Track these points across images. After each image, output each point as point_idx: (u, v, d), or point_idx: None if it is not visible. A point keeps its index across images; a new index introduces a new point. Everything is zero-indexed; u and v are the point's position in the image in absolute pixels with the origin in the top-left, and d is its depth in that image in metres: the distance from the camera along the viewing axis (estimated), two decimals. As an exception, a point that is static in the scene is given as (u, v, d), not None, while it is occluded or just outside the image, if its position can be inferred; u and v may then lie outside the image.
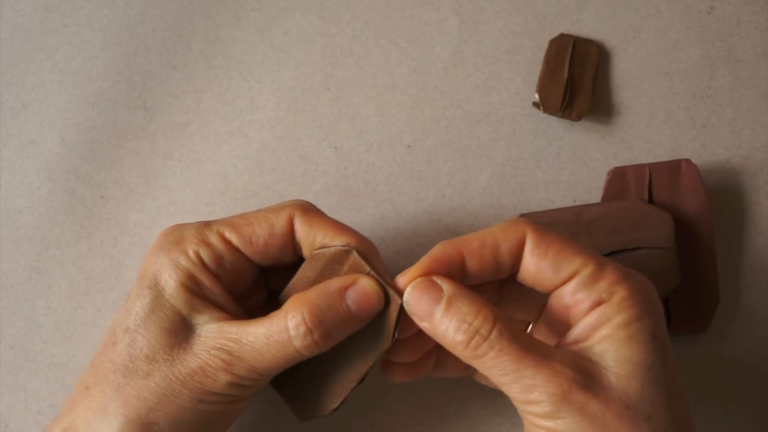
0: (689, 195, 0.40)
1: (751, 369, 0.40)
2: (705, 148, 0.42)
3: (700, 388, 0.40)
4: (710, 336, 0.41)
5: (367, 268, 0.31)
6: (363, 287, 0.30)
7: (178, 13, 0.43)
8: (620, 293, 0.28)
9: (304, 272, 0.32)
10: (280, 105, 0.42)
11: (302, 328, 0.30)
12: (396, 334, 0.31)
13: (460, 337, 0.29)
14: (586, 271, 0.29)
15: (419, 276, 0.30)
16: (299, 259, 0.33)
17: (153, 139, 0.42)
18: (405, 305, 0.30)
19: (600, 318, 0.28)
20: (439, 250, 0.30)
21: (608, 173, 0.40)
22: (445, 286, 0.30)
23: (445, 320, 0.29)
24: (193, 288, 0.31)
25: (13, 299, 0.40)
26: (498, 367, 0.28)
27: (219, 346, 0.30)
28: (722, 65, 0.42)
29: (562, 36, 0.42)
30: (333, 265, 0.32)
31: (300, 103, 0.42)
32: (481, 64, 0.42)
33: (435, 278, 0.30)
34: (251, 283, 0.34)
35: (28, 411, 0.40)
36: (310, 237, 0.32)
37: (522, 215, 0.39)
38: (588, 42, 0.42)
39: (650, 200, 0.40)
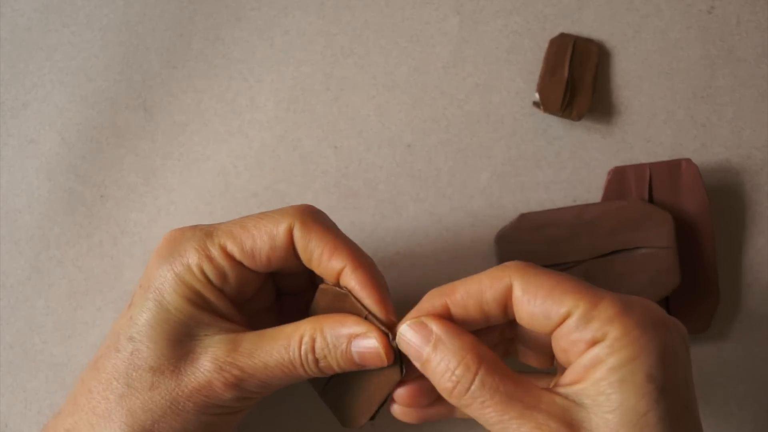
0: (689, 194, 0.40)
1: (751, 369, 0.40)
2: (705, 147, 0.42)
3: (700, 388, 0.40)
4: (710, 336, 0.41)
5: (365, 313, 0.31)
6: (367, 345, 0.30)
7: (178, 12, 0.43)
8: (613, 333, 0.27)
9: (317, 302, 0.33)
10: (280, 105, 0.42)
11: (310, 356, 0.30)
12: (404, 369, 0.31)
13: (445, 384, 0.29)
14: (578, 312, 0.27)
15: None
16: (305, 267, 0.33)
17: (153, 139, 0.42)
18: (399, 346, 0.30)
19: (593, 360, 0.27)
20: (424, 304, 0.30)
21: (608, 173, 0.40)
22: (435, 327, 0.29)
23: (433, 363, 0.29)
24: (198, 302, 0.31)
25: (13, 299, 0.40)
26: (483, 417, 0.28)
27: (231, 360, 0.30)
28: (722, 65, 0.42)
29: (562, 35, 0.42)
30: (338, 302, 0.32)
31: (300, 103, 0.42)
32: (481, 63, 0.42)
33: (424, 319, 0.30)
34: (257, 289, 0.34)
35: (28, 411, 0.40)
36: (308, 252, 0.31)
37: (522, 215, 0.39)
38: (588, 41, 0.42)
39: (650, 200, 0.40)
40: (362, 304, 0.31)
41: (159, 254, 0.32)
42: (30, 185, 0.41)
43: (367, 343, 0.30)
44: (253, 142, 0.42)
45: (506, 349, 0.34)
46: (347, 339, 0.30)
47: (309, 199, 0.41)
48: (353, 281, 0.31)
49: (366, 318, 0.31)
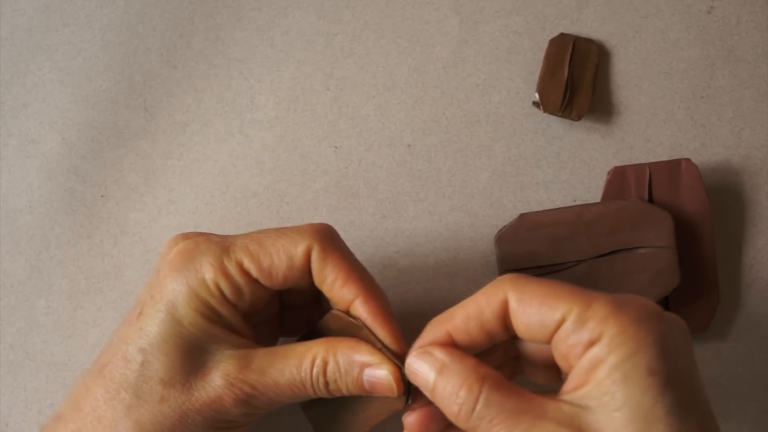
0: (689, 194, 0.40)
1: (751, 369, 0.40)
2: (705, 147, 0.42)
3: (700, 387, 0.40)
4: (710, 336, 0.41)
5: (379, 345, 0.31)
6: (379, 376, 0.30)
7: (178, 12, 0.43)
8: (610, 331, 0.27)
9: (327, 324, 0.33)
10: (280, 105, 0.42)
11: (321, 379, 0.31)
12: (410, 400, 0.31)
13: (451, 408, 0.29)
14: (572, 316, 0.27)
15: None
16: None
17: (153, 139, 0.42)
18: (408, 377, 0.30)
19: (593, 360, 0.27)
20: (426, 335, 0.30)
21: (608, 173, 0.40)
22: (439, 353, 0.29)
23: (439, 389, 0.29)
24: (211, 317, 0.31)
25: (13, 299, 0.40)
26: None
27: (242, 377, 0.30)
28: (722, 65, 0.42)
29: (562, 35, 0.42)
30: (349, 329, 0.32)
31: (300, 103, 0.42)
32: (481, 63, 0.42)
33: (429, 348, 0.30)
34: (266, 304, 0.34)
35: (28, 411, 0.40)
36: (322, 276, 0.32)
37: (522, 215, 0.39)
38: (588, 41, 0.42)
39: (650, 200, 0.40)
40: (375, 336, 0.31)
41: (172, 266, 0.32)
42: (30, 185, 0.41)
43: (380, 374, 0.30)
44: (253, 142, 0.42)
45: (513, 368, 0.33)
46: (360, 367, 0.30)
47: (309, 199, 0.41)
48: (365, 312, 0.31)
49: (380, 350, 0.31)
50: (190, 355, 0.30)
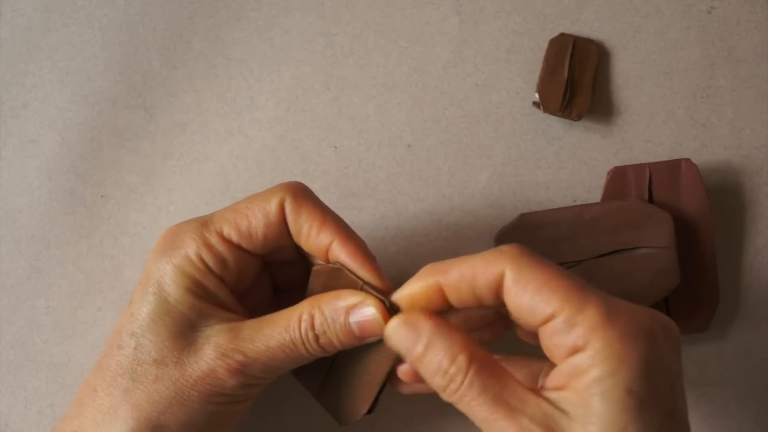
0: (689, 194, 0.40)
1: (751, 369, 0.40)
2: (705, 147, 0.42)
3: (700, 388, 0.40)
4: (710, 336, 0.41)
5: (360, 283, 0.31)
6: (365, 314, 0.30)
7: (178, 12, 0.43)
8: (595, 344, 0.26)
9: (312, 285, 0.33)
10: (280, 105, 0.42)
11: (310, 334, 0.31)
12: None
13: (437, 381, 0.29)
14: (562, 316, 0.27)
15: (406, 305, 0.30)
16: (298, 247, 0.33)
17: (153, 139, 0.42)
18: (388, 340, 0.30)
19: (574, 369, 0.27)
20: (418, 281, 0.30)
21: (608, 173, 0.40)
22: (426, 325, 0.29)
23: (424, 362, 0.29)
24: (198, 292, 0.31)
25: (13, 299, 0.40)
26: (471, 414, 0.28)
27: (234, 346, 0.30)
28: (722, 65, 0.42)
29: (562, 35, 0.42)
30: (332, 280, 0.32)
31: (300, 103, 0.42)
32: (481, 63, 0.42)
33: (416, 315, 0.29)
34: (255, 276, 0.34)
35: (28, 411, 0.40)
36: (297, 225, 0.32)
37: (522, 215, 0.39)
38: (588, 41, 0.42)
39: (650, 200, 0.40)
40: (356, 276, 0.31)
41: (157, 250, 0.32)
42: (30, 185, 0.41)
43: (366, 312, 0.30)
44: (253, 142, 0.42)
45: (505, 323, 0.33)
46: (345, 311, 0.30)
47: (309, 199, 0.41)
48: (343, 254, 0.31)
49: (361, 288, 0.31)
50: (181, 332, 0.31)
